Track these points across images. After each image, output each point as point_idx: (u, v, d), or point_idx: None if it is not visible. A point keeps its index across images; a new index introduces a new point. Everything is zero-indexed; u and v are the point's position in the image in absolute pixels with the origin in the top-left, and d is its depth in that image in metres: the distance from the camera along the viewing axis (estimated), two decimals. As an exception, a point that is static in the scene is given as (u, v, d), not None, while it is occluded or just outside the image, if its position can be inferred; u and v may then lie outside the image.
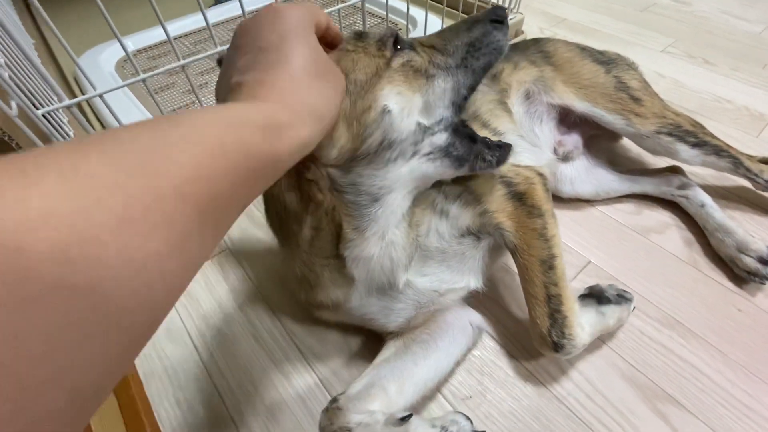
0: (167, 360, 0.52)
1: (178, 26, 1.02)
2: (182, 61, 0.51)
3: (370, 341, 0.50)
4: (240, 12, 1.04)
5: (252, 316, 0.55)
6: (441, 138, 0.37)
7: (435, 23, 0.85)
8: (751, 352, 0.49)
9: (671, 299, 0.55)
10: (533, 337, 0.45)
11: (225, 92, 0.27)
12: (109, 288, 0.14)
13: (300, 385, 0.49)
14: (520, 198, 0.44)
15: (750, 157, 0.60)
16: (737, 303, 0.54)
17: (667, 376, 0.48)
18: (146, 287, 0.16)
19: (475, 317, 0.50)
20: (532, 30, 1.04)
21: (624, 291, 0.52)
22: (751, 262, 0.54)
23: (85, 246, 0.14)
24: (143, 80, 0.50)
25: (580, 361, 0.49)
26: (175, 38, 1.00)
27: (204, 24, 1.00)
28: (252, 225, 0.66)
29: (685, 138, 0.57)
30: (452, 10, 0.89)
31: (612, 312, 0.49)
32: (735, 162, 0.58)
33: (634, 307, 0.52)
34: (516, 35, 0.96)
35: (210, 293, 0.58)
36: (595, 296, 0.50)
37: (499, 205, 0.44)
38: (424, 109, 0.36)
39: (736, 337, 0.51)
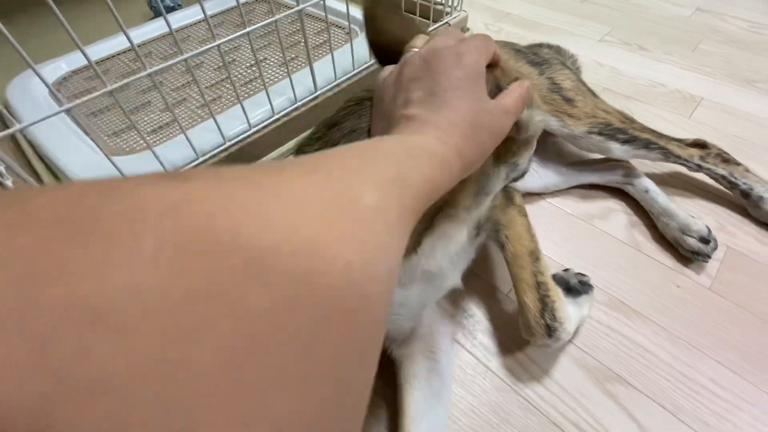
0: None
1: (119, 42, 0.98)
2: (109, 87, 0.49)
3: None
4: (186, 23, 1.01)
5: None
6: None
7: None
8: (690, 325, 0.53)
9: (617, 282, 0.57)
10: (523, 325, 0.47)
11: (395, 112, 0.29)
12: (376, 302, 0.16)
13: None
14: (510, 198, 0.50)
15: (680, 142, 0.64)
16: (676, 280, 0.57)
17: (615, 356, 0.50)
18: (388, 300, 0.18)
19: (449, 328, 0.51)
20: (477, 27, 1.06)
21: (581, 275, 0.55)
22: (693, 243, 0.58)
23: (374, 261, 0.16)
24: (67, 110, 0.48)
25: (536, 352, 0.51)
26: (116, 54, 0.96)
27: (147, 38, 0.98)
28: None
29: (615, 136, 0.60)
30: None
31: (585, 302, 0.52)
32: (665, 152, 0.62)
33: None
34: (461, 33, 0.97)
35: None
36: (562, 287, 0.52)
37: (499, 203, 0.49)
38: None
39: (676, 312, 0.54)
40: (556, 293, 0.47)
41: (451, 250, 0.41)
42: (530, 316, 0.45)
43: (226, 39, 0.58)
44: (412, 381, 0.45)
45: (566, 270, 0.56)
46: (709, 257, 0.58)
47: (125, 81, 0.51)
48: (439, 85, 0.28)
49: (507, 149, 0.37)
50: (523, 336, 0.47)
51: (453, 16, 0.93)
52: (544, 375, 0.49)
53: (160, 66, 0.54)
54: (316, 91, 0.77)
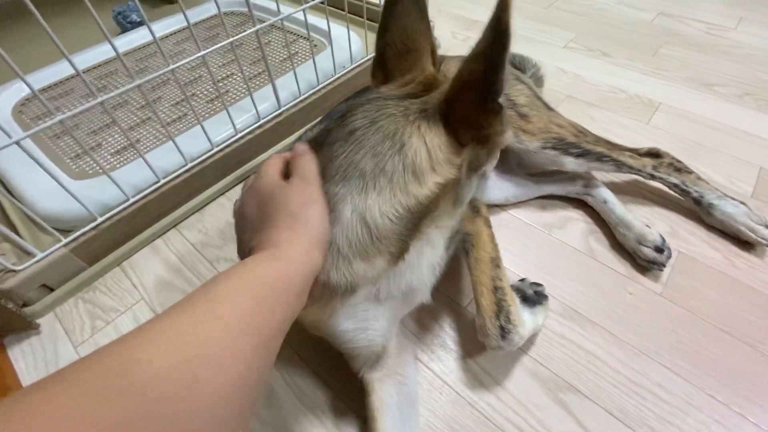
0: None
1: (83, 59, 0.97)
2: (58, 117, 0.49)
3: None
4: (150, 38, 1.01)
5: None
6: None
7: (341, 32, 0.86)
8: (639, 331, 0.55)
9: (572, 290, 0.59)
10: (479, 326, 0.48)
11: (245, 247, 0.37)
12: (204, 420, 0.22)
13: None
14: (477, 210, 0.53)
15: (634, 152, 0.66)
16: (629, 287, 0.59)
17: (567, 365, 0.52)
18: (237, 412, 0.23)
19: (411, 346, 0.52)
20: (445, 35, 1.07)
21: (537, 284, 0.56)
22: (649, 252, 0.60)
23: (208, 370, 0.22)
24: (17, 142, 0.48)
25: (490, 363, 0.52)
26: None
27: (112, 55, 0.97)
28: (166, 271, 0.64)
29: (568, 150, 0.62)
30: (354, 17, 0.90)
31: (539, 312, 0.53)
32: (617, 164, 0.63)
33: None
34: (428, 43, 0.98)
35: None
36: (518, 297, 0.54)
37: (467, 215, 0.52)
38: None
39: (627, 319, 0.56)
40: (512, 298, 0.49)
41: (433, 260, 0.43)
42: (486, 317, 0.47)
43: (180, 63, 0.58)
44: (383, 408, 0.46)
45: (522, 280, 0.58)
46: (664, 266, 0.59)
47: (75, 111, 0.51)
48: (252, 221, 0.36)
49: (477, 161, 0.40)
50: (479, 338, 0.49)
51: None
52: (498, 386, 0.51)
53: (112, 94, 0.54)
54: (279, 108, 0.78)
